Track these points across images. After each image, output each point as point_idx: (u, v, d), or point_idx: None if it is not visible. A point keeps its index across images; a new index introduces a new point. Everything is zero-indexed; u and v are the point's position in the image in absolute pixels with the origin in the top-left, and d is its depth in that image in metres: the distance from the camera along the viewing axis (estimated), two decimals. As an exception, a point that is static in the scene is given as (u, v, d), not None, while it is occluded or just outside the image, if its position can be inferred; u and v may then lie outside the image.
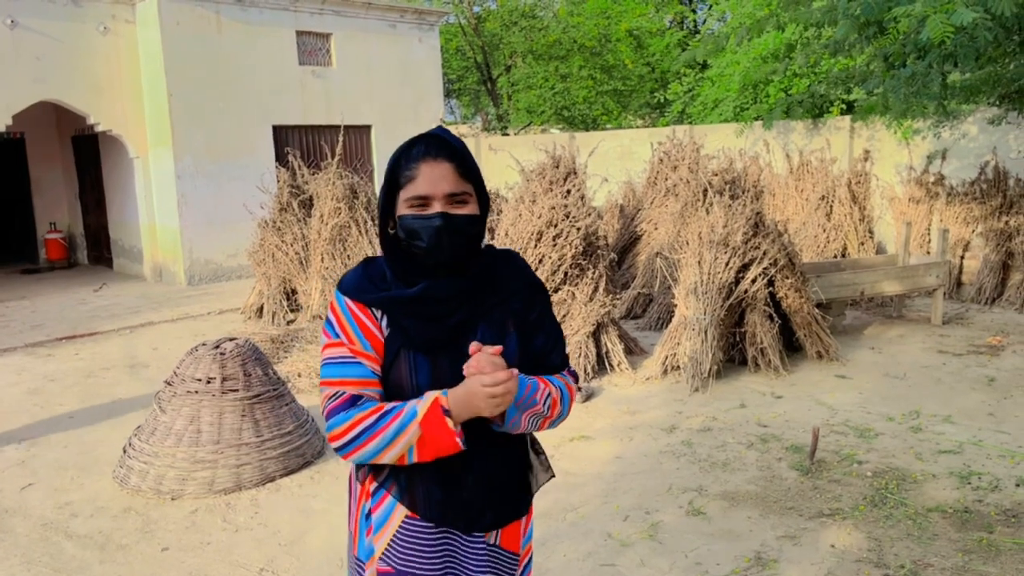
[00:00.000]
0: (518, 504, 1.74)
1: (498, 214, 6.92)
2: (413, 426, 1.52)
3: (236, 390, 4.37)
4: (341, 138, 8.48)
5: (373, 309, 1.60)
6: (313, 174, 8.10)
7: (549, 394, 1.64)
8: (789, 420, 5.06)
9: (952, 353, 6.51)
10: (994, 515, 3.70)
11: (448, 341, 1.60)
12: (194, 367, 4.43)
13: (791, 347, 6.39)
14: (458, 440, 1.53)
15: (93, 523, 3.92)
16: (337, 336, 1.59)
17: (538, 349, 1.71)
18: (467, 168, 1.60)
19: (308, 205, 8.17)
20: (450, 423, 1.51)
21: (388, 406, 1.56)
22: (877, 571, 3.24)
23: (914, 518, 3.68)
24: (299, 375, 5.99)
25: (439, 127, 1.60)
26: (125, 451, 4.44)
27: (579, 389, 1.74)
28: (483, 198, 1.65)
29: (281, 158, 10.96)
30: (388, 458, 1.54)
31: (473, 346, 1.55)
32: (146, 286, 11.30)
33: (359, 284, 1.62)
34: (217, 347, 4.52)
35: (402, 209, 1.58)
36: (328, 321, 1.63)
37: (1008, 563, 3.26)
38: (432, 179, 1.55)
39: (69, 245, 13.68)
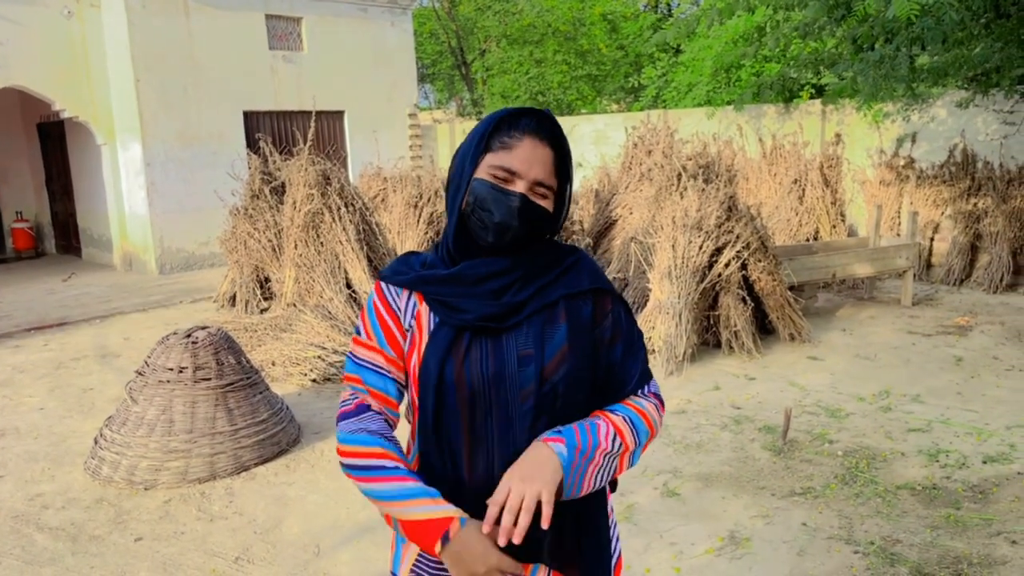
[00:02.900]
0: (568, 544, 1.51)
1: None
2: (402, 516, 1.38)
3: (209, 379, 4.33)
4: (313, 124, 8.36)
5: (401, 300, 1.47)
6: (285, 160, 7.99)
7: (614, 432, 1.44)
8: (762, 402, 5.12)
9: (921, 334, 6.61)
10: (961, 492, 3.77)
11: (487, 326, 1.42)
12: (166, 356, 4.38)
13: (764, 329, 6.45)
14: (437, 549, 1.35)
15: (65, 515, 3.87)
16: (358, 332, 1.51)
17: (614, 365, 1.51)
18: (563, 163, 1.46)
19: (280, 192, 8.06)
20: (438, 547, 1.34)
21: (392, 462, 1.39)
22: (847, 548, 3.29)
23: (883, 496, 3.75)
24: (273, 363, 5.94)
25: (546, 109, 1.47)
26: (96, 442, 4.38)
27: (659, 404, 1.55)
28: (560, 198, 1.48)
29: (252, 144, 10.83)
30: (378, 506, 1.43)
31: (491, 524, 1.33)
32: (116, 275, 11.13)
33: (395, 268, 1.51)
34: (189, 336, 4.47)
35: (481, 172, 1.42)
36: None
37: (975, 538, 3.33)
38: (530, 158, 1.41)
39: (36, 234, 13.43)
